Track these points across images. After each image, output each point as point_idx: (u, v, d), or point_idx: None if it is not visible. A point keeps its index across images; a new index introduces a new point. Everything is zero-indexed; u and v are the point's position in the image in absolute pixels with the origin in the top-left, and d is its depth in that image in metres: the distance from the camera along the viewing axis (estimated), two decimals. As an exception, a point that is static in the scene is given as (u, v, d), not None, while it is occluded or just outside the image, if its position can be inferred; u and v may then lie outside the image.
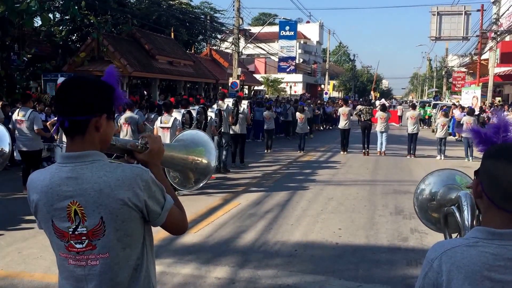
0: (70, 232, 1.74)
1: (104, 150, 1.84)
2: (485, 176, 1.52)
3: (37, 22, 18.26)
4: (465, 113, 18.29)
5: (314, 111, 24.07)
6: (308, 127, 18.46)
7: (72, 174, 1.72)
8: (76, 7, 15.18)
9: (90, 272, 1.76)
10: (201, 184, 2.42)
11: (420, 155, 16.19)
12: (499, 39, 26.46)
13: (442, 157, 15.56)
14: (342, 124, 16.58)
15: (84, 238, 1.73)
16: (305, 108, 17.90)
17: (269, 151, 16.58)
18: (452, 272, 1.47)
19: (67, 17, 20.92)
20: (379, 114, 16.63)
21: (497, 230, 1.48)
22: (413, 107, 17.29)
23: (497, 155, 1.51)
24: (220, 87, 29.52)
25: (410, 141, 16.05)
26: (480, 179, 1.54)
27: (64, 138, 10.02)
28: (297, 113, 17.22)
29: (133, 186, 1.72)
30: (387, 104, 21.21)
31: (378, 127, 16.37)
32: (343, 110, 16.87)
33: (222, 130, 11.92)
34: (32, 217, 7.40)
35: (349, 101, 20.71)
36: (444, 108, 21.81)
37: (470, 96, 28.17)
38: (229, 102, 12.61)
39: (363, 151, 16.43)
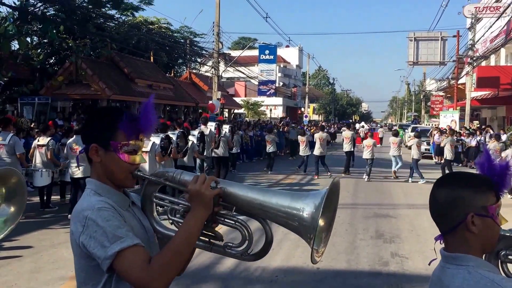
0: None
1: (118, 183, 1.80)
2: None
3: (14, 45, 18.06)
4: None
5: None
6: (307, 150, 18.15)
7: None
8: (54, 31, 14.99)
9: None
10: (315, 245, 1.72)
11: (401, 177, 16.27)
12: (475, 64, 27.02)
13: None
14: (317, 151, 16.32)
15: None
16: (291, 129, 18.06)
17: (270, 172, 17.26)
18: None
19: (45, 40, 20.73)
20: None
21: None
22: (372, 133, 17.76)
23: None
24: (200, 111, 29.47)
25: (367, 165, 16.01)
26: None
27: (38, 162, 9.82)
28: (299, 137, 17.81)
29: (79, 220, 1.66)
30: (367, 127, 21.45)
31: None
32: (320, 136, 16.48)
33: (205, 154, 11.95)
34: (8, 244, 7.07)
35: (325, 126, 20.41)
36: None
37: (449, 120, 28.67)
38: (211, 126, 12.67)
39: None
